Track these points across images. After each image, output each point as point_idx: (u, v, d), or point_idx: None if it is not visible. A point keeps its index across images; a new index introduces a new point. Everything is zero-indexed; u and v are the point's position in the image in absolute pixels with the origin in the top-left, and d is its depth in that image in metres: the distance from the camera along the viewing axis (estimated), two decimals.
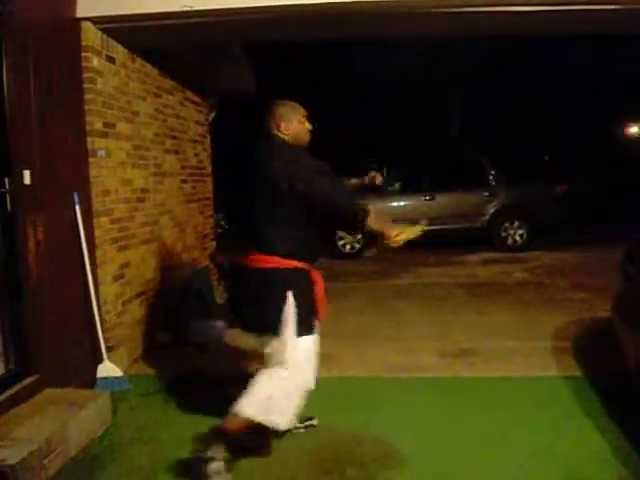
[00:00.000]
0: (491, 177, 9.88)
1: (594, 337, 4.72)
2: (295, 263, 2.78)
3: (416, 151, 12.68)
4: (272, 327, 2.77)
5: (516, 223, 9.74)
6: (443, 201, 9.81)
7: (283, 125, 2.89)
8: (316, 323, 2.90)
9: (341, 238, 9.75)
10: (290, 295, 2.74)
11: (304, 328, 2.78)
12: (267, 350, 2.86)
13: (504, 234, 9.77)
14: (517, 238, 9.78)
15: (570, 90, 14.70)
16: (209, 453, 2.69)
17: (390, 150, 14.19)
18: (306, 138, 2.99)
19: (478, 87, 15.08)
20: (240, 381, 4.01)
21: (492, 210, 9.78)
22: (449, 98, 15.96)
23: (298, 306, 2.75)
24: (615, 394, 3.50)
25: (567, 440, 3.05)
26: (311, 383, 2.86)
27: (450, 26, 4.48)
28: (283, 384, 2.78)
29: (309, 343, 2.84)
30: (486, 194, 9.82)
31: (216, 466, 2.68)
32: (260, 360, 2.99)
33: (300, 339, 2.77)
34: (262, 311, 2.82)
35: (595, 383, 3.77)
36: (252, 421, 2.75)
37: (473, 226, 9.78)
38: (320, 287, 2.92)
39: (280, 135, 2.90)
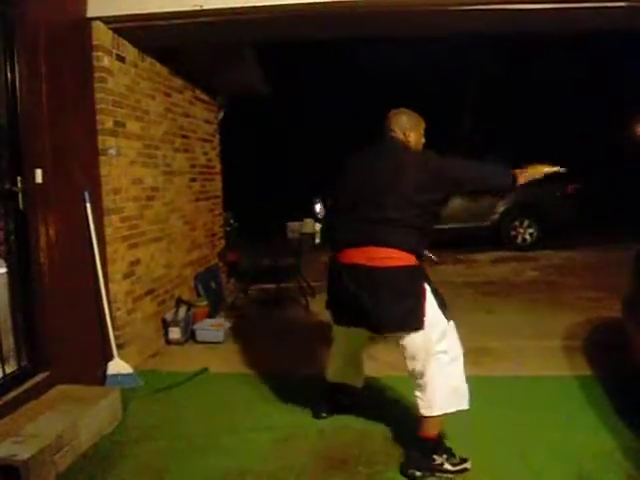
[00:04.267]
0: None
1: (605, 336, 4.68)
2: (416, 260, 2.82)
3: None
4: (411, 322, 2.76)
5: (526, 222, 9.69)
6: (452, 200, 9.77)
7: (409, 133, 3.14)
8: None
9: None
10: (428, 287, 2.80)
11: (447, 311, 2.86)
12: (405, 344, 2.83)
13: (514, 233, 9.72)
14: (527, 237, 9.73)
15: (583, 89, 14.57)
16: (436, 460, 2.79)
17: None
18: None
19: (489, 85, 14.99)
20: (252, 379, 4.04)
21: (502, 209, 9.73)
22: (459, 96, 15.89)
23: (436, 295, 2.82)
24: (626, 394, 3.48)
25: (577, 439, 3.04)
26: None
27: (461, 24, 4.45)
28: (455, 367, 2.83)
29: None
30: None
31: (449, 465, 2.80)
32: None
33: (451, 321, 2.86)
34: (393, 308, 2.76)
35: (605, 382, 3.75)
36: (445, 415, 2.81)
37: (483, 225, 9.73)
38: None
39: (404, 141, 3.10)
